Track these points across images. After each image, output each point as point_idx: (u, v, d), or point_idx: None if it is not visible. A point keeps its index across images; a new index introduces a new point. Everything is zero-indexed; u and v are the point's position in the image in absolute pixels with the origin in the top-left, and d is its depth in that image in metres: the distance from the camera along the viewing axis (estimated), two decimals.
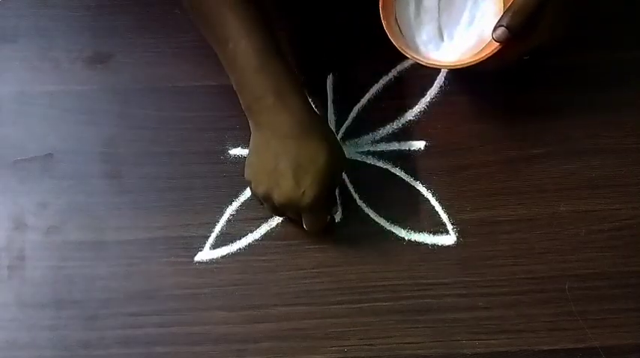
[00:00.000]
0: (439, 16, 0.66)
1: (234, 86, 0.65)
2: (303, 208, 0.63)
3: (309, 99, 0.65)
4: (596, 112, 0.71)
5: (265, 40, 0.63)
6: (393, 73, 0.73)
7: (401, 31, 0.65)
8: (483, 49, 0.63)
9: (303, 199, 0.62)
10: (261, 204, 0.66)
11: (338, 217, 0.68)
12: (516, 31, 0.59)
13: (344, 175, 0.70)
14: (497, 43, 0.60)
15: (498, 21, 0.60)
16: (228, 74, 0.65)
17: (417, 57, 0.64)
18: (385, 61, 0.73)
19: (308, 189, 0.62)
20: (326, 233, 0.67)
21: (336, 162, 0.64)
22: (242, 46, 0.62)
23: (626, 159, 0.69)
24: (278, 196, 0.63)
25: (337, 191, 0.69)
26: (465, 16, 0.65)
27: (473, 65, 0.62)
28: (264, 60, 0.63)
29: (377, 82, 0.73)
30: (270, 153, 0.63)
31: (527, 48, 0.62)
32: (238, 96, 0.65)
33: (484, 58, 0.61)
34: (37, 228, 0.69)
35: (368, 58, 0.74)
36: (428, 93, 0.72)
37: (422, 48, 0.66)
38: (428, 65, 0.64)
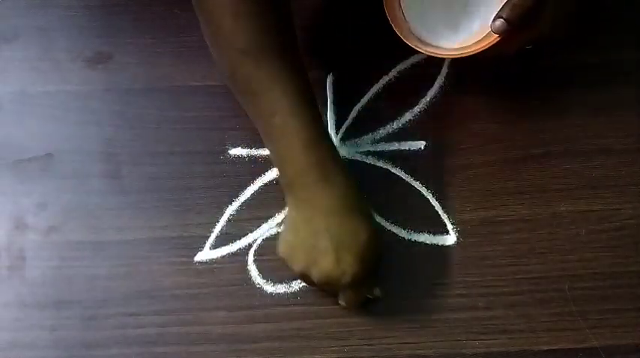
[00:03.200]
0: (444, 5, 0.65)
1: (274, 159, 0.64)
2: (342, 286, 0.62)
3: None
4: (596, 112, 0.71)
5: (314, 114, 0.62)
6: (393, 72, 0.73)
7: (405, 18, 0.65)
8: (484, 38, 0.62)
9: (343, 278, 0.61)
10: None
11: (378, 293, 0.65)
12: (515, 23, 0.59)
13: None
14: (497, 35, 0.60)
15: (497, 13, 0.59)
16: (269, 147, 0.65)
17: (419, 45, 0.63)
18: (385, 61, 0.73)
19: (348, 267, 0.60)
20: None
21: (377, 240, 0.63)
22: (291, 121, 0.61)
23: (627, 159, 0.69)
24: (317, 274, 0.61)
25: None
26: (469, 5, 0.65)
27: (473, 55, 0.62)
28: (312, 135, 0.62)
29: (377, 81, 0.73)
30: (309, 230, 0.62)
31: (528, 39, 0.62)
32: (278, 170, 0.64)
33: (484, 48, 0.61)
34: (37, 228, 0.69)
35: (368, 58, 0.74)
36: (428, 93, 0.72)
37: (425, 35, 0.65)
38: (428, 54, 0.64)
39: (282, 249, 0.64)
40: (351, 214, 0.62)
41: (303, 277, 0.63)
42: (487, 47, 0.61)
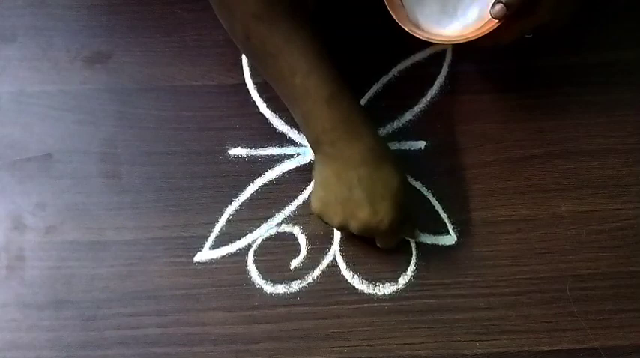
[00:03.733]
0: None
1: (298, 120, 0.65)
2: (382, 233, 0.63)
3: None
4: (596, 112, 0.71)
5: (333, 71, 0.62)
6: (393, 72, 0.73)
7: (402, 4, 0.64)
8: (482, 25, 0.61)
9: (381, 225, 0.62)
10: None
11: (417, 234, 0.67)
12: (514, 8, 0.58)
13: None
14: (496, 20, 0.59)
15: None
16: (291, 108, 0.65)
17: (416, 31, 0.63)
18: (385, 61, 0.73)
19: (385, 215, 0.62)
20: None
21: (408, 184, 0.65)
22: (312, 79, 0.61)
23: (627, 159, 0.69)
24: (356, 225, 0.62)
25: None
26: None
27: (471, 41, 0.61)
28: (334, 90, 0.62)
29: (377, 81, 0.73)
30: (342, 184, 0.62)
31: (527, 27, 0.61)
32: (303, 130, 0.65)
33: (482, 34, 0.60)
34: (36, 228, 0.69)
35: (368, 58, 0.73)
36: (428, 93, 0.72)
37: (422, 21, 0.64)
38: (424, 39, 0.63)
39: (316, 205, 0.64)
40: (380, 163, 0.63)
41: (342, 229, 0.64)
42: (485, 33, 0.60)
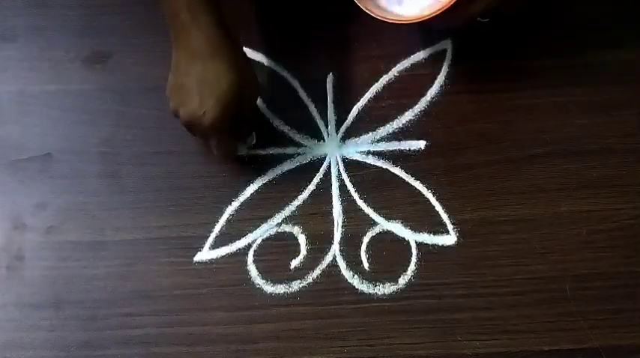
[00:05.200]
0: None
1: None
2: (206, 129, 0.64)
3: (225, 23, 0.66)
4: (596, 112, 0.71)
5: None
6: (393, 72, 0.73)
7: None
8: (439, 7, 0.63)
9: (204, 119, 0.63)
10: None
11: (250, 143, 0.70)
12: None
13: (344, 174, 0.70)
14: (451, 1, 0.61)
15: None
16: None
17: (372, 10, 0.65)
18: (385, 61, 0.73)
19: (210, 110, 0.63)
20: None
21: (244, 87, 0.64)
22: None
23: (627, 159, 0.69)
24: (183, 113, 0.64)
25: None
26: None
27: (426, 21, 0.63)
28: None
29: (377, 81, 0.73)
30: (181, 70, 0.64)
31: (477, 10, 0.63)
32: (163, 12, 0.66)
33: (433, 15, 0.62)
34: (36, 228, 0.69)
35: (368, 58, 0.73)
36: (428, 93, 0.72)
37: (383, 3, 0.67)
38: (380, 19, 0.65)
39: (167, 90, 0.66)
40: (216, 57, 0.63)
41: (177, 117, 0.65)
42: (436, 15, 0.62)
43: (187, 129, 0.66)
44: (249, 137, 0.70)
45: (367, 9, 0.65)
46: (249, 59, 0.68)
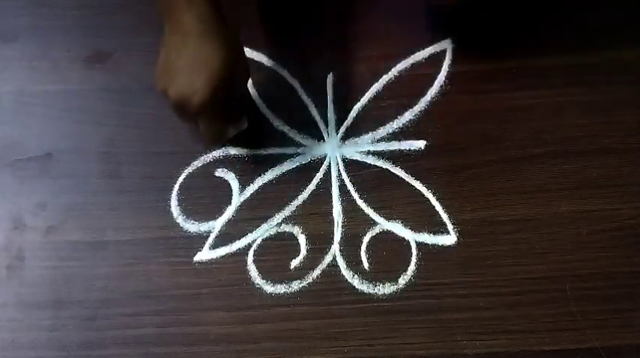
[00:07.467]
0: None
1: None
2: (195, 110, 0.62)
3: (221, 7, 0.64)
4: (596, 112, 0.71)
5: None
6: (393, 72, 0.73)
7: None
8: None
9: (194, 99, 0.61)
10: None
11: (241, 127, 0.68)
12: None
13: (344, 174, 0.70)
14: None
15: None
16: None
17: None
18: (385, 61, 0.73)
19: (200, 90, 0.61)
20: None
21: (234, 69, 0.63)
22: None
23: (627, 159, 0.69)
24: (172, 93, 0.62)
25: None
26: None
27: None
28: None
29: (377, 81, 0.73)
30: (172, 49, 0.63)
31: None
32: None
33: None
34: (36, 228, 0.69)
35: (368, 58, 0.73)
36: (428, 93, 0.72)
37: None
38: None
39: (156, 70, 0.64)
40: (209, 37, 0.62)
41: (166, 98, 0.63)
42: None
43: (175, 111, 0.64)
44: (240, 121, 0.68)
45: None
46: (241, 41, 0.67)
